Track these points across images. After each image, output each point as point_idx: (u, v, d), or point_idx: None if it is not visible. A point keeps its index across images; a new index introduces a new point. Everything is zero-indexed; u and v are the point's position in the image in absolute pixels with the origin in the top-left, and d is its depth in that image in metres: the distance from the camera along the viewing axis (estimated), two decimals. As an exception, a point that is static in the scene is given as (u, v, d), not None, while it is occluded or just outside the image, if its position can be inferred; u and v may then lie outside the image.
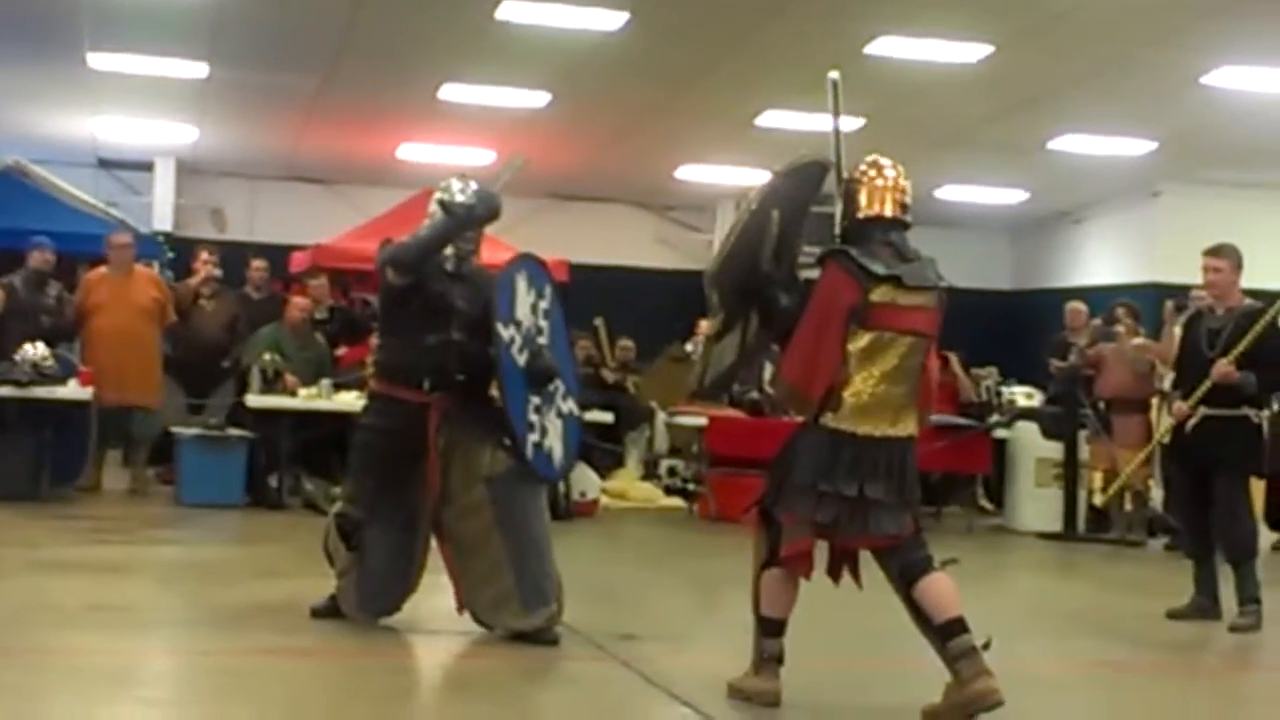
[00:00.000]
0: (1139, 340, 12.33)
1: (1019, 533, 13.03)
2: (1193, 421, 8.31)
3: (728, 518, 12.06)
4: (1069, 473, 12.67)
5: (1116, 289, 16.10)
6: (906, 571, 5.82)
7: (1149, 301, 14.82)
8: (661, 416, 14.15)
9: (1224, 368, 8.19)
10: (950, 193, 18.78)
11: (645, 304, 17.46)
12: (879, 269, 5.69)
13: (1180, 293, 12.08)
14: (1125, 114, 14.68)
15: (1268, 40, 11.95)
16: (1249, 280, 8.61)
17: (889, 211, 5.85)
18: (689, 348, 15.98)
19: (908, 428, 5.80)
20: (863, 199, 5.86)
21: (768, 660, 5.99)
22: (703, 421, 13.06)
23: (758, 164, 17.66)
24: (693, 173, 18.11)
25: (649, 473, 14.23)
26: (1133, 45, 12.30)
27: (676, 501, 13.61)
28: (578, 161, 17.70)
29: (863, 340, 5.68)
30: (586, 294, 15.93)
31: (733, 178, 18.27)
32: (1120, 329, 12.48)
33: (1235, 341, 8.24)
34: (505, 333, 6.86)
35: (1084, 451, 12.72)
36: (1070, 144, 16.06)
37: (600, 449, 13.42)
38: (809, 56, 12.94)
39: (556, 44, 12.75)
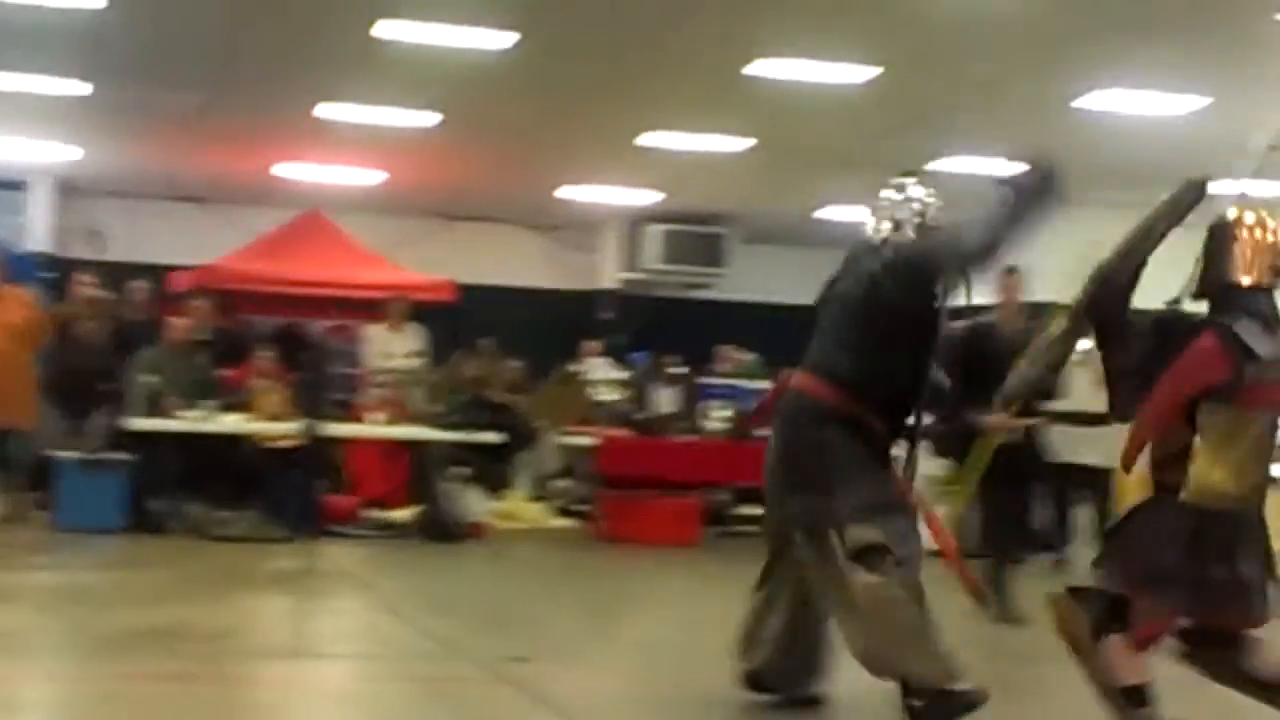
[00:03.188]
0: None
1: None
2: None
3: (620, 538, 12.03)
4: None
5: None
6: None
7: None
8: (552, 437, 14.08)
9: None
10: (832, 213, 18.89)
11: (534, 324, 17.39)
12: (1262, 350, 5.17)
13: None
14: (1004, 136, 14.84)
15: (1134, 65, 12.17)
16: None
17: (1266, 279, 5.31)
18: (577, 368, 15.96)
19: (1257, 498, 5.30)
20: (1238, 260, 5.29)
21: None
22: (594, 442, 13.02)
23: (638, 184, 17.73)
24: (573, 192, 18.09)
25: (539, 494, 14.15)
26: (1009, 69, 12.46)
27: (568, 522, 13.55)
28: (466, 182, 17.62)
29: (1222, 417, 5.17)
30: (475, 315, 15.86)
31: (614, 198, 18.28)
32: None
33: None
34: None
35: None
36: (951, 166, 16.21)
37: (489, 470, 13.33)
38: (690, 77, 13.00)
39: (445, 64, 12.65)
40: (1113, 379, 5.40)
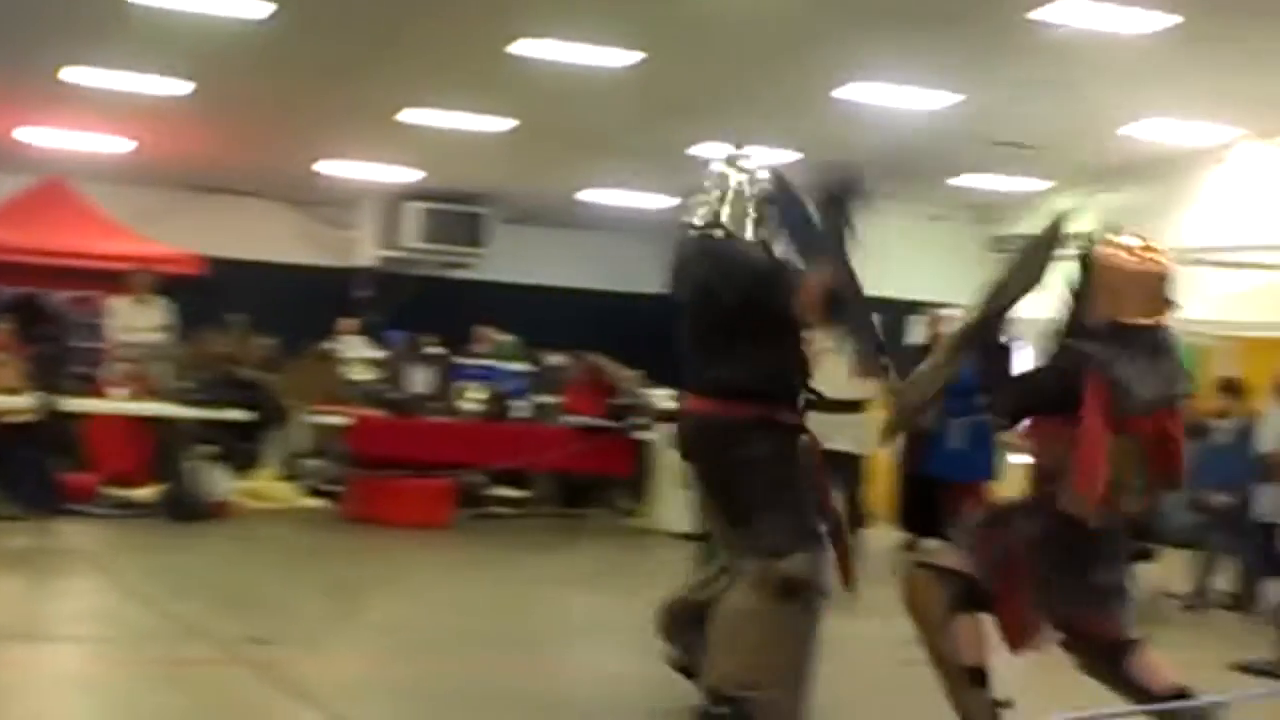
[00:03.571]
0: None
1: (662, 533, 13.13)
2: None
3: (371, 520, 11.83)
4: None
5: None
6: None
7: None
8: (302, 416, 13.80)
9: None
10: (595, 195, 18.92)
11: (287, 301, 17.03)
12: (1141, 389, 5.16)
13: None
14: (765, 124, 14.99)
15: (892, 57, 12.40)
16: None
17: (1155, 319, 5.24)
18: (331, 346, 15.69)
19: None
20: (1128, 300, 5.21)
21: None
22: (345, 421, 12.79)
23: (401, 160, 17.50)
24: (333, 168, 17.79)
25: (289, 473, 13.87)
26: (770, 57, 12.58)
27: (318, 503, 13.30)
28: (219, 153, 17.17)
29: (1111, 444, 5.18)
30: (226, 290, 15.48)
31: (374, 174, 18.04)
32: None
33: None
34: None
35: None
36: (713, 152, 16.33)
37: (237, 448, 13.00)
38: (452, 55, 12.86)
39: (197, 31, 12.29)
40: (993, 385, 5.43)
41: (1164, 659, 5.32)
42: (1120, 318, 5.20)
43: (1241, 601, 9.78)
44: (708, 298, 5.49)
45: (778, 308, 5.35)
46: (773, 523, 5.30)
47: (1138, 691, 5.22)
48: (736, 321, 5.42)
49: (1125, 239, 5.27)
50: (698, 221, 5.63)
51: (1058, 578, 5.21)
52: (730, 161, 5.72)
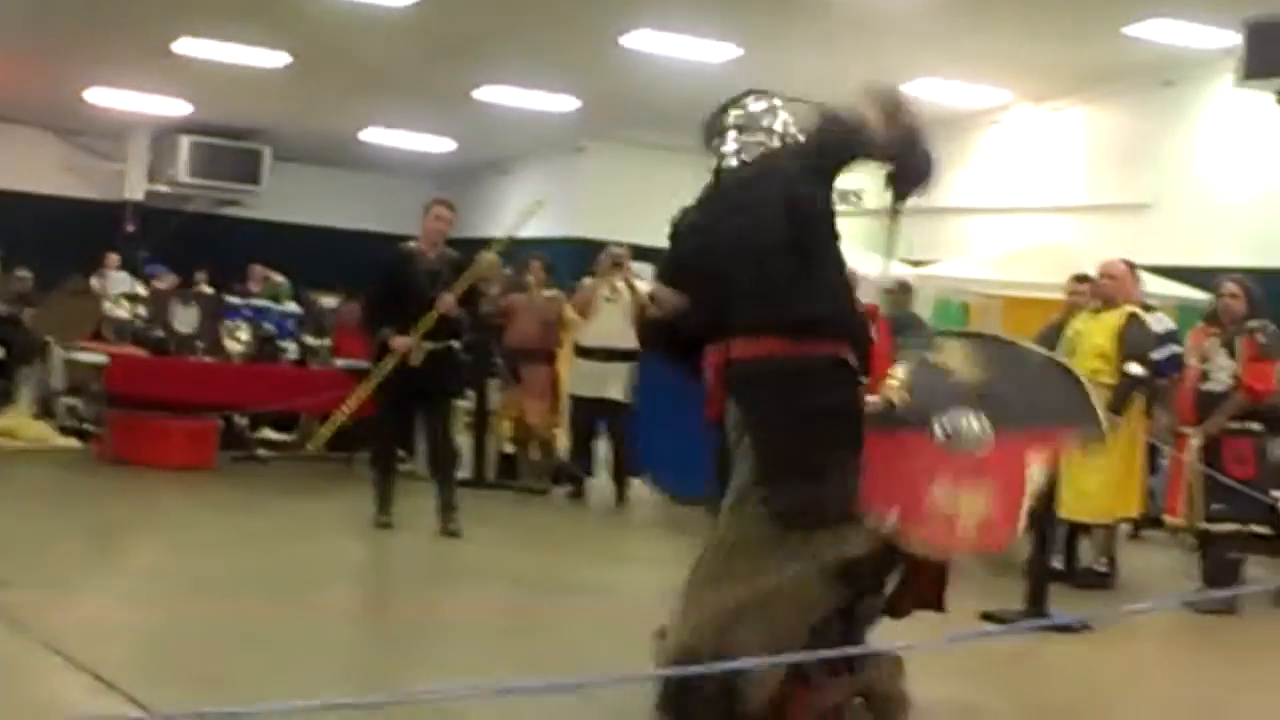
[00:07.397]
0: (550, 292, 12.50)
1: (423, 478, 12.92)
2: (419, 355, 9.09)
3: (129, 460, 11.46)
4: (479, 421, 12.72)
5: (540, 242, 16.31)
6: None
7: (572, 255, 15.10)
8: (59, 352, 13.31)
9: (449, 301, 9.12)
10: (376, 136, 18.61)
11: (48, 234, 16.42)
12: None
13: (601, 247, 12.44)
14: (549, 69, 14.90)
15: (682, 5, 12.37)
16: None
17: None
18: (92, 281, 15.19)
19: None
20: None
21: None
22: (104, 359, 12.36)
23: (174, 92, 16.97)
24: (103, 96, 17.16)
25: (44, 411, 13.37)
26: (555, 1, 12.47)
27: (73, 442, 12.84)
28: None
29: None
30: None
31: (147, 105, 17.47)
32: (531, 279, 12.61)
33: (453, 280, 9.23)
34: None
35: (494, 400, 12.79)
36: (496, 95, 16.17)
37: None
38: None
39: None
40: None
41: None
42: None
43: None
44: (791, 202, 4.79)
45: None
46: (841, 491, 4.54)
47: None
48: (814, 237, 4.78)
49: None
50: (746, 158, 5.06)
51: None
52: (759, 100, 5.19)
